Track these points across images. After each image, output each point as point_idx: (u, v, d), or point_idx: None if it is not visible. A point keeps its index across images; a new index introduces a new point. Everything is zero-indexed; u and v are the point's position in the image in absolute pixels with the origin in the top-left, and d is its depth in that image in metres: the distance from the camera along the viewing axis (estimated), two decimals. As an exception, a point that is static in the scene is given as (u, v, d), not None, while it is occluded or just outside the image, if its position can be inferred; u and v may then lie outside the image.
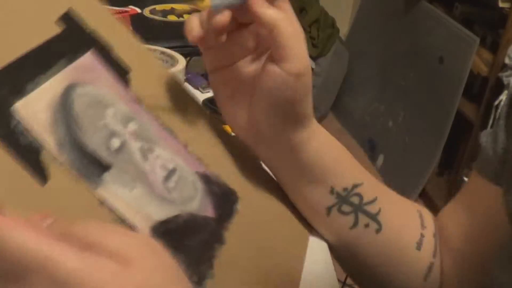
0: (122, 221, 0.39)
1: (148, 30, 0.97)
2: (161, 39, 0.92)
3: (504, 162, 0.50)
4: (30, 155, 0.36)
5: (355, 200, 0.53)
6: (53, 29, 0.42)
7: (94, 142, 0.40)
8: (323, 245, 0.57)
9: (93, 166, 0.39)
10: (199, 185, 0.46)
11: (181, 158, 0.46)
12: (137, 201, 0.41)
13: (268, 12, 0.45)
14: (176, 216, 0.43)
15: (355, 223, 0.54)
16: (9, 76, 0.37)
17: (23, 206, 0.34)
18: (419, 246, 0.56)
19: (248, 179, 0.52)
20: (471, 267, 0.56)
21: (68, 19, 0.44)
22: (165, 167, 0.45)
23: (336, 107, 2.66)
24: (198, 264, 0.42)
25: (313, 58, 2.40)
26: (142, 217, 0.40)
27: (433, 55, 2.13)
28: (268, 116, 0.49)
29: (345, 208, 0.54)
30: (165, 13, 1.05)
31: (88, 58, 0.44)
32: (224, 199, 0.48)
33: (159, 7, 1.06)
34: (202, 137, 0.51)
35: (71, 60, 0.42)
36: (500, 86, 1.84)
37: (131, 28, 0.84)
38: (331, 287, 0.54)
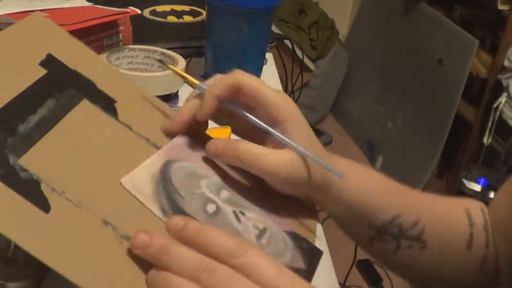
0: None
1: (148, 31, 0.97)
2: (161, 40, 0.92)
3: None
4: (31, 188, 0.39)
5: (395, 230, 0.55)
6: (37, 73, 0.45)
7: (192, 207, 0.45)
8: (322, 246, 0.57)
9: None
10: (289, 241, 0.50)
11: (270, 219, 0.50)
12: None
13: None
14: None
15: (397, 248, 0.56)
16: (2, 119, 0.41)
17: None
18: (469, 246, 0.57)
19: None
20: None
21: (48, 63, 0.47)
22: (256, 227, 0.48)
23: (335, 108, 2.66)
24: None
25: (312, 60, 2.40)
26: None
27: (433, 57, 2.13)
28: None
29: (387, 237, 0.55)
30: (164, 14, 1.05)
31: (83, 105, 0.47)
32: (312, 254, 0.51)
33: (159, 8, 1.06)
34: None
35: (57, 99, 0.45)
36: (499, 88, 1.84)
37: (131, 29, 0.84)
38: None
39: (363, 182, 0.54)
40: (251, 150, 0.47)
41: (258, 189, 0.51)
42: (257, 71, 0.93)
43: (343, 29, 2.69)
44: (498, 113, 1.81)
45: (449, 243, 0.57)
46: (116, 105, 0.49)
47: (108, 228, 0.40)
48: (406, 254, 0.56)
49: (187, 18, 1.05)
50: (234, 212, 0.48)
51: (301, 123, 0.49)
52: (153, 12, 1.04)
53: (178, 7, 1.08)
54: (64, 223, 0.38)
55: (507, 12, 1.85)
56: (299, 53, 1.82)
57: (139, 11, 0.85)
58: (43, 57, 0.47)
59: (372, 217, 0.54)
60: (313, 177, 0.49)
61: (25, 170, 0.39)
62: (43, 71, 0.46)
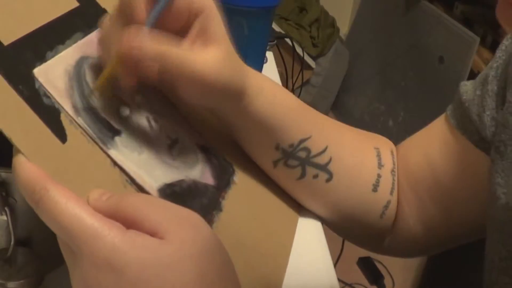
0: (132, 181, 0.42)
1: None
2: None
3: (493, 135, 0.49)
4: (52, 115, 0.39)
5: (302, 154, 0.52)
6: (71, 4, 0.46)
7: (106, 108, 0.43)
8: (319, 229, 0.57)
9: (106, 130, 0.42)
10: (200, 155, 0.50)
11: (183, 130, 0.49)
12: (145, 164, 0.44)
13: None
14: (180, 181, 0.46)
15: (302, 175, 0.53)
16: (33, 42, 0.41)
17: (47, 161, 0.37)
18: (375, 187, 0.55)
19: (242, 155, 0.55)
20: (436, 210, 0.55)
21: None
22: (169, 136, 0.48)
23: (336, 106, 2.66)
24: None
25: (313, 57, 2.40)
26: (150, 178, 0.44)
27: (434, 54, 2.13)
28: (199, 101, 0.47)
29: (292, 162, 0.53)
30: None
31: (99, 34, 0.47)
32: (222, 170, 0.51)
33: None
34: (201, 114, 0.53)
35: (85, 33, 0.45)
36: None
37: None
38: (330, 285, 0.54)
39: (276, 96, 0.51)
40: (174, 50, 0.41)
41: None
42: (257, 70, 0.93)
43: (344, 26, 2.69)
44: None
45: (356, 181, 0.55)
46: None
47: (116, 169, 0.41)
48: (310, 184, 0.54)
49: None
50: (147, 118, 0.46)
51: (218, 15, 0.43)
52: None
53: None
54: (77, 156, 0.39)
55: (508, 9, 1.85)
56: (299, 51, 1.82)
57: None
58: None
59: (280, 136, 0.51)
60: (235, 80, 0.45)
61: (47, 97, 0.39)
62: (75, 3, 0.46)
